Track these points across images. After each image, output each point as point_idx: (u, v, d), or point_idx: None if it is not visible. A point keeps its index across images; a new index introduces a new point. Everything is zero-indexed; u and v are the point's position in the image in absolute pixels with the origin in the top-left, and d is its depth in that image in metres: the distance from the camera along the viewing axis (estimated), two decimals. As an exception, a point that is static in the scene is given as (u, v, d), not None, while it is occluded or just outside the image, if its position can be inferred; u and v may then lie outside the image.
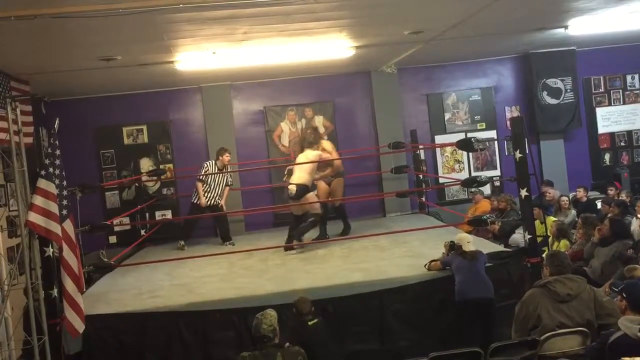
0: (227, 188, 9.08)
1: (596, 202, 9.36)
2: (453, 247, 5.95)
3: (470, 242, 5.83)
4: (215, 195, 8.88)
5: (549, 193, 9.39)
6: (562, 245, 7.38)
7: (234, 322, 5.67)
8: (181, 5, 5.03)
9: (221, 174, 8.84)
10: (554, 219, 8.16)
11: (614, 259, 6.48)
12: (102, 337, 5.64)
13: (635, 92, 11.33)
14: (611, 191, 9.39)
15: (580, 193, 9.46)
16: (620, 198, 8.66)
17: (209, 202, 8.82)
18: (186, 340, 5.64)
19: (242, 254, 7.66)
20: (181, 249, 8.70)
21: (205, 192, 8.79)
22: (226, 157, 8.83)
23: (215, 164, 8.85)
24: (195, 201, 8.87)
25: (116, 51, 6.85)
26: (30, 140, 7.49)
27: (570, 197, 9.35)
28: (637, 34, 9.61)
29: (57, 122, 5.31)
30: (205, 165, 8.88)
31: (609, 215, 7.62)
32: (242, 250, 7.72)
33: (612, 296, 5.09)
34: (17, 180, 5.24)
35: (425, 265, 6.07)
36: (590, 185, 10.55)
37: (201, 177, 8.75)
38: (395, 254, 7.14)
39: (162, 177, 9.56)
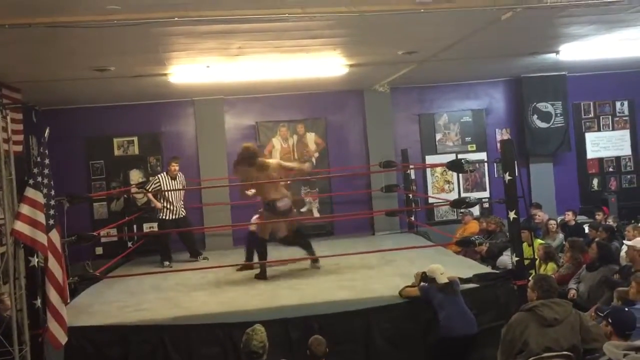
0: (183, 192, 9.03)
1: (584, 226, 9.41)
2: (425, 279, 5.84)
3: (444, 274, 5.71)
4: (179, 207, 8.82)
5: (538, 216, 9.43)
6: (549, 268, 7.39)
7: (219, 337, 5.61)
8: (176, 19, 5.06)
9: (175, 185, 8.77)
10: (541, 241, 8.18)
11: (600, 283, 6.50)
12: (84, 350, 5.55)
13: (624, 118, 11.47)
14: (599, 216, 9.45)
15: (569, 216, 9.50)
16: (607, 223, 8.71)
17: (174, 216, 8.74)
18: (170, 355, 5.56)
19: (229, 268, 7.62)
20: (169, 267, 8.51)
21: (168, 206, 8.71)
22: (172, 167, 8.78)
23: (168, 174, 8.80)
24: (160, 217, 8.80)
25: (110, 62, 6.85)
26: (19, 148, 7.45)
27: (559, 221, 9.40)
28: (626, 61, 9.75)
29: (47, 131, 5.29)
30: (157, 179, 8.80)
31: (596, 239, 7.66)
32: (232, 265, 7.69)
33: (598, 321, 5.11)
34: (5, 189, 5.19)
35: (402, 296, 5.93)
36: (578, 209, 10.62)
37: (149, 190, 8.74)
38: (384, 273, 7.13)
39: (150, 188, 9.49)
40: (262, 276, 7.23)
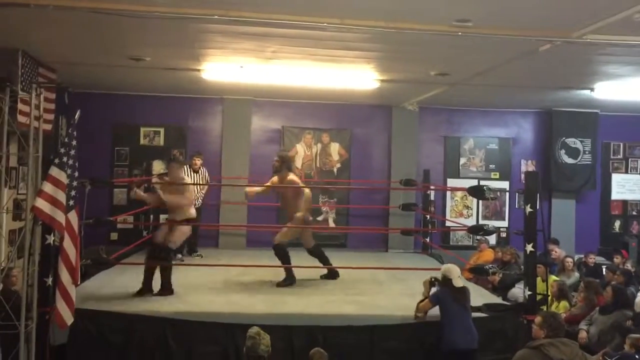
0: (206, 187, 9.11)
1: (602, 266, 9.26)
2: (434, 285, 5.81)
3: (460, 277, 5.71)
4: (199, 199, 8.91)
5: (555, 251, 9.31)
6: (562, 306, 7.27)
7: (221, 337, 5.63)
8: (216, 17, 5.10)
9: (197, 177, 8.83)
10: (556, 278, 8.06)
11: (612, 328, 6.38)
12: (89, 332, 5.62)
13: (654, 163, 11.30)
14: (617, 259, 9.28)
15: (591, 259, 9.38)
16: (625, 267, 8.56)
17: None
18: (171, 348, 5.60)
19: (239, 269, 7.63)
20: (181, 260, 8.53)
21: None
22: (195, 161, 8.89)
23: (190, 168, 8.87)
24: None
25: (146, 52, 6.94)
26: (49, 127, 7.55)
27: (575, 259, 9.27)
28: (662, 106, 9.62)
29: (78, 113, 5.36)
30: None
31: (612, 282, 7.52)
32: (244, 265, 7.69)
33: (605, 366, 5.02)
34: (30, 165, 5.27)
35: (418, 314, 5.87)
36: (597, 249, 10.46)
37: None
38: (393, 291, 7.09)
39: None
40: (292, 281, 7.13)
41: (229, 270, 7.61)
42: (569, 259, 8.96)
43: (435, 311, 5.75)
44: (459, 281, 5.67)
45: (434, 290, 5.81)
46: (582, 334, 6.58)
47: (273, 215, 10.40)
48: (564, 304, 7.33)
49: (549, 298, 7.26)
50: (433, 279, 5.84)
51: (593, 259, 9.40)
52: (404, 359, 5.75)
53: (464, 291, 5.67)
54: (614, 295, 6.66)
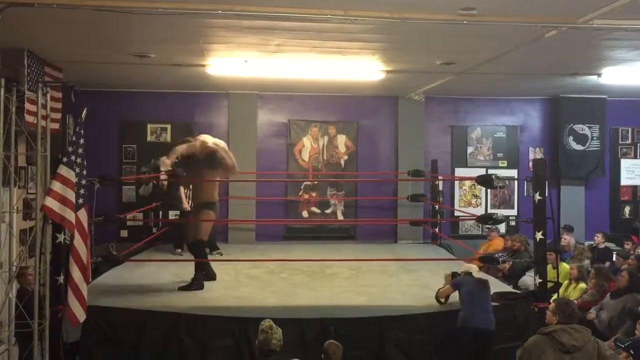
0: None
1: (613, 251, 9.22)
2: (456, 276, 5.96)
3: (478, 272, 5.90)
4: None
5: (565, 238, 9.28)
6: (579, 288, 7.30)
7: (233, 331, 5.66)
8: (220, 12, 5.10)
9: None
10: (567, 265, 8.05)
11: (623, 313, 6.36)
12: (101, 329, 5.66)
13: (663, 148, 11.22)
14: (627, 245, 9.24)
15: (598, 239, 9.35)
16: (637, 252, 8.52)
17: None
18: (184, 343, 5.63)
19: (249, 263, 7.66)
20: (180, 255, 8.53)
21: (188, 195, 8.57)
22: None
23: None
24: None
25: (151, 49, 6.95)
26: (56, 126, 7.58)
27: (586, 245, 9.25)
28: (671, 89, 9.53)
29: (85, 111, 5.38)
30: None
31: (624, 267, 7.49)
32: (254, 260, 7.71)
33: (616, 351, 5.01)
34: (39, 164, 5.30)
35: (439, 298, 6.01)
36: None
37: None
38: (402, 281, 7.10)
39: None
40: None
41: (239, 264, 7.64)
42: (580, 246, 8.94)
43: (452, 300, 5.80)
44: (477, 275, 5.85)
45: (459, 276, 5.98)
46: (590, 315, 6.61)
47: (282, 210, 10.43)
48: (581, 286, 7.34)
49: (566, 282, 7.29)
50: (454, 273, 6.01)
51: (599, 237, 9.35)
52: (416, 350, 5.76)
53: (485, 280, 5.86)
54: (630, 280, 6.63)
